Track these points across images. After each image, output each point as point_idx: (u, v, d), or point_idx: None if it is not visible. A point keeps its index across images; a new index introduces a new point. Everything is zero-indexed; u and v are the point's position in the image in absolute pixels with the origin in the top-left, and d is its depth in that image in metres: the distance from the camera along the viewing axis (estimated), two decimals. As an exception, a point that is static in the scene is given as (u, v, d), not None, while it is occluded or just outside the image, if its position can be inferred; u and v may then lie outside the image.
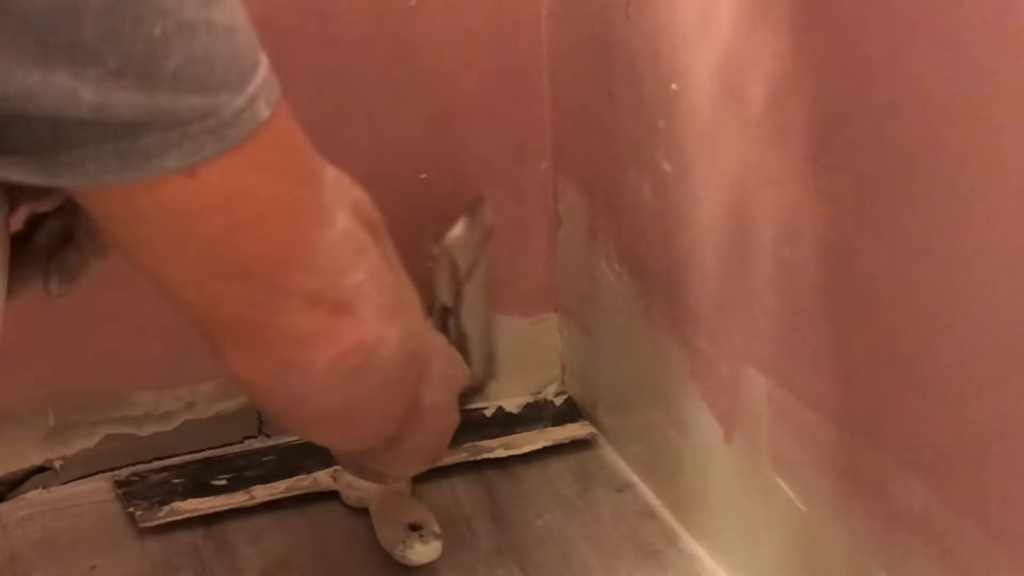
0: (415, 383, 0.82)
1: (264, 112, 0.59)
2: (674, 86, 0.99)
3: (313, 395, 0.71)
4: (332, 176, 0.71)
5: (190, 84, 0.55)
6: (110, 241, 0.67)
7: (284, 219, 0.64)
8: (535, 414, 1.32)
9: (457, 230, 1.18)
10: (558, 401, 1.34)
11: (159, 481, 1.20)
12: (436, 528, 1.09)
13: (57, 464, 1.20)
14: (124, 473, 1.22)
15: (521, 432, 1.29)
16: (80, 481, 1.21)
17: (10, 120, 0.53)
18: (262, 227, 0.63)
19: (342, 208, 0.70)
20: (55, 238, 0.75)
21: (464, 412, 1.31)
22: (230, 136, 0.58)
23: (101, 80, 0.52)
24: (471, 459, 1.24)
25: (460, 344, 1.19)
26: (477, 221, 1.21)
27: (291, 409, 0.74)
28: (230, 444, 1.26)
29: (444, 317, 1.19)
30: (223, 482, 1.20)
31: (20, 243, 0.73)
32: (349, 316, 0.68)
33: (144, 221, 0.60)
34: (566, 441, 1.26)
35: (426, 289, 1.25)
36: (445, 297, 1.19)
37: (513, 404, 1.33)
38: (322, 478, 1.21)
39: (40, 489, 1.20)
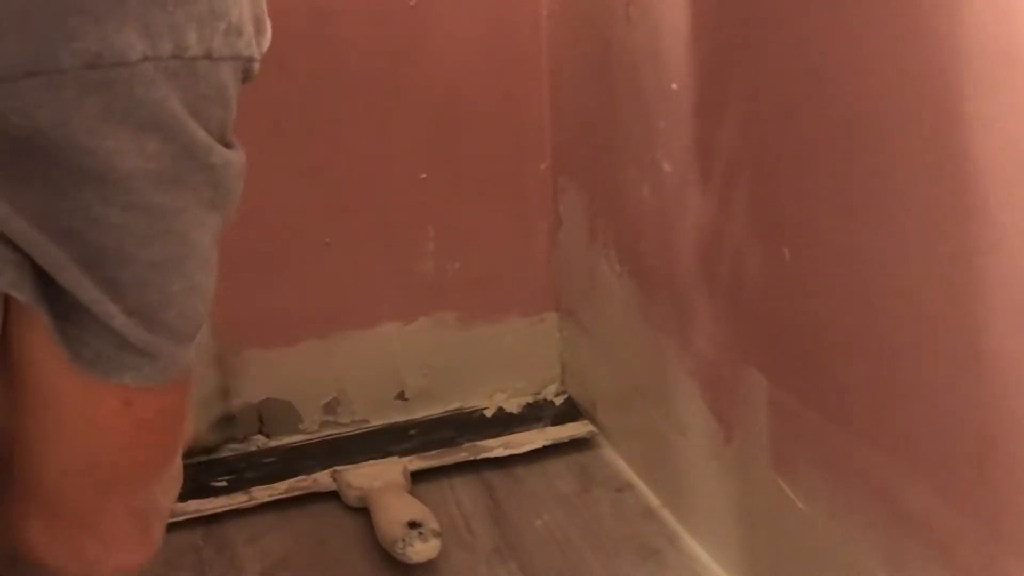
0: None
1: (189, 362, 0.69)
2: (674, 86, 0.99)
3: None
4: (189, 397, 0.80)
5: (176, 331, 0.66)
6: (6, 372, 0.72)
7: (161, 446, 0.73)
8: (535, 414, 1.32)
9: None
10: (558, 401, 1.34)
11: (159, 481, 1.20)
12: (436, 526, 1.09)
13: None
14: (124, 473, 1.22)
15: (521, 432, 1.29)
16: (80, 481, 1.21)
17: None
18: (142, 450, 0.71)
19: (185, 434, 0.77)
20: None
21: (464, 412, 1.33)
22: (170, 375, 0.68)
23: (124, 313, 0.63)
24: (471, 459, 1.24)
25: None
26: None
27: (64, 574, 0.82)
28: (230, 444, 1.26)
29: None
30: (223, 483, 1.20)
31: None
32: (148, 533, 0.77)
33: (87, 386, 0.67)
34: (566, 440, 1.26)
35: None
36: None
37: (513, 404, 1.33)
38: (322, 478, 1.21)
39: (40, 489, 1.20)
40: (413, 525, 1.09)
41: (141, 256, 0.62)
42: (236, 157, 0.65)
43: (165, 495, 0.77)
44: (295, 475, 1.22)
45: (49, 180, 0.59)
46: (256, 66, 0.65)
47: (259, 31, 0.65)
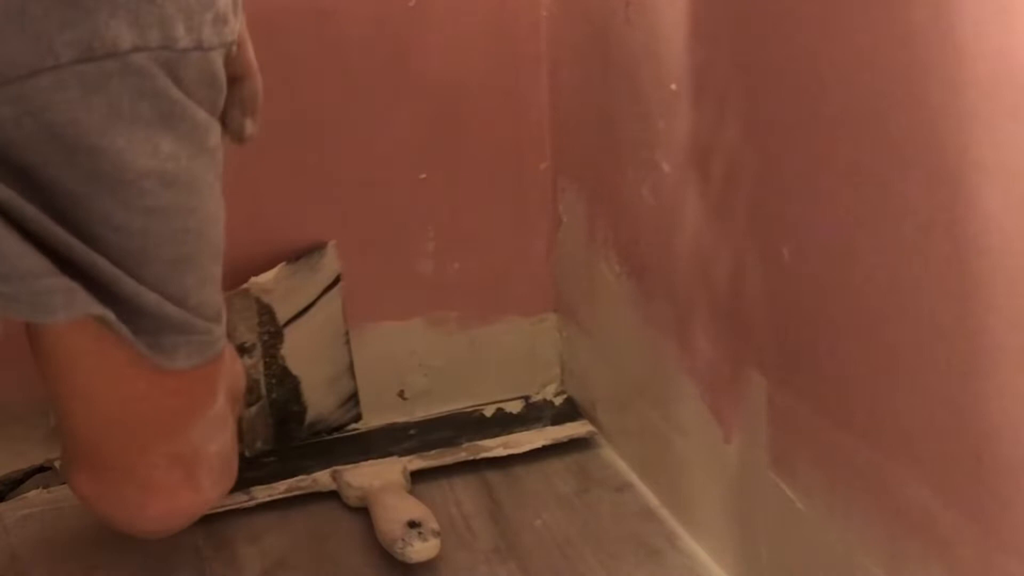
0: None
1: (223, 342, 0.77)
2: (674, 86, 0.99)
3: (136, 525, 0.86)
4: (228, 355, 0.85)
5: (202, 315, 0.73)
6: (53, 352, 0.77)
7: (192, 402, 0.78)
8: (535, 414, 1.32)
9: (265, 275, 1.19)
10: (558, 401, 1.34)
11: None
12: (435, 526, 1.09)
13: (57, 464, 1.20)
14: (124, 473, 1.22)
15: (521, 432, 1.29)
16: (80, 481, 1.21)
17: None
18: (178, 402, 0.77)
19: (223, 388, 0.81)
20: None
21: (464, 412, 1.33)
22: (207, 351, 0.74)
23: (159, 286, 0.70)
24: (471, 459, 1.24)
25: (288, 384, 1.23)
26: (306, 267, 1.21)
27: (114, 522, 0.88)
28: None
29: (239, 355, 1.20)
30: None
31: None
32: (193, 482, 0.81)
33: (116, 363, 0.73)
34: (565, 440, 1.26)
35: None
36: (243, 337, 1.19)
37: (513, 404, 1.33)
38: (322, 478, 1.21)
39: (40, 489, 1.20)
40: (413, 525, 1.09)
41: (161, 255, 0.66)
42: (221, 132, 0.69)
43: (208, 441, 0.79)
44: (295, 475, 1.22)
45: (71, 190, 0.61)
46: (235, 47, 0.68)
47: (236, 12, 0.68)
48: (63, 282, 0.63)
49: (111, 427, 0.75)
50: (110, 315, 0.66)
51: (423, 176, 1.25)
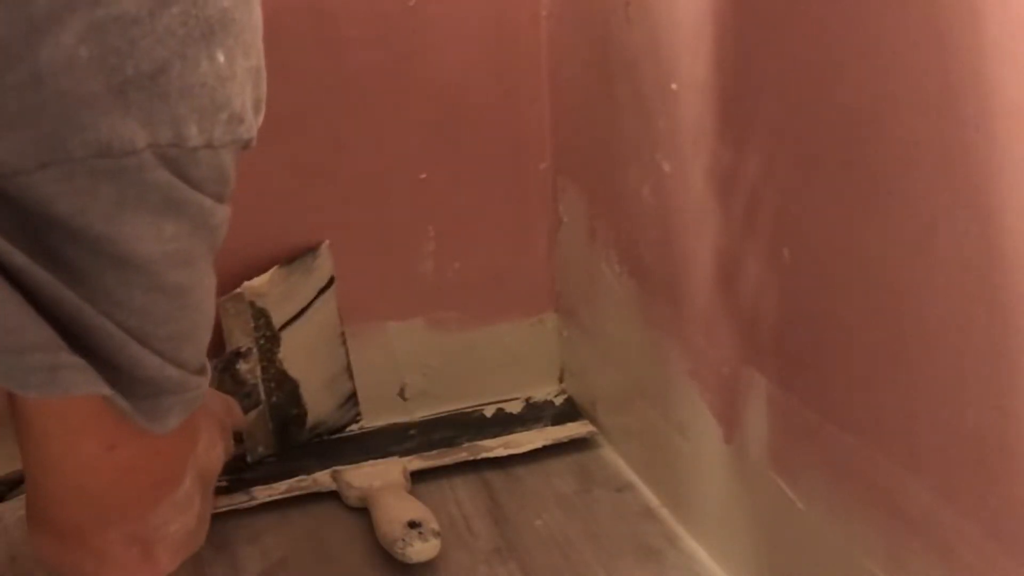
0: None
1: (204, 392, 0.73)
2: (674, 86, 0.99)
3: None
4: (205, 439, 0.83)
5: (195, 371, 0.70)
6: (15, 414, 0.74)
7: (153, 482, 0.76)
8: (535, 414, 1.32)
9: (259, 279, 1.19)
10: (558, 401, 1.34)
11: (159, 481, 1.20)
12: (435, 526, 1.09)
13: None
14: (124, 473, 1.21)
15: (521, 432, 1.29)
16: (80, 481, 1.21)
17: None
18: (138, 480, 0.74)
19: (192, 468, 0.80)
20: None
21: (464, 412, 1.33)
22: (191, 406, 0.71)
23: (159, 352, 0.67)
24: (471, 459, 1.24)
25: (288, 387, 1.23)
26: (300, 269, 1.21)
27: None
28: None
29: (232, 361, 1.20)
30: (223, 483, 1.20)
31: None
32: (150, 559, 0.79)
33: (71, 430, 0.70)
34: (566, 440, 1.26)
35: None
36: (239, 341, 1.19)
37: (513, 404, 1.33)
38: (322, 478, 1.21)
39: (40, 489, 1.20)
40: (413, 525, 1.09)
41: (159, 333, 0.65)
42: (227, 210, 0.68)
43: (169, 522, 0.78)
44: (295, 475, 1.22)
45: (73, 264, 0.61)
46: (254, 142, 0.67)
47: (257, 111, 0.67)
48: (72, 359, 0.63)
49: (75, 501, 0.74)
50: (118, 397, 0.66)
51: (423, 176, 1.25)
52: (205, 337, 0.71)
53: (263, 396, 1.22)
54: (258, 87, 0.66)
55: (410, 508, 1.12)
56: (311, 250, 1.22)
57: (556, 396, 1.35)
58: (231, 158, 0.66)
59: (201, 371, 0.71)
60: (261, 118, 0.68)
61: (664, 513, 1.15)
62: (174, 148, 0.60)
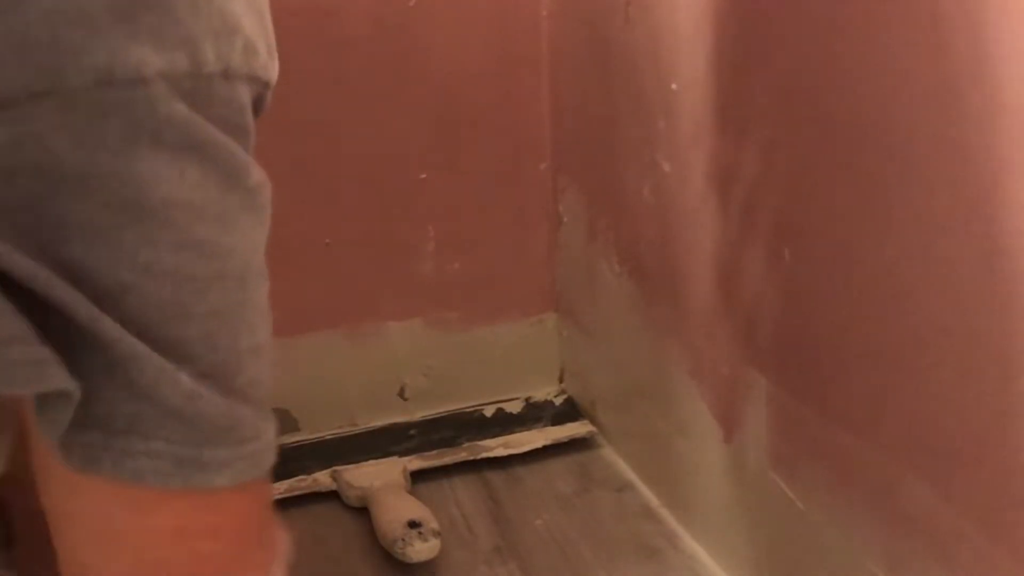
0: None
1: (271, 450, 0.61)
2: (674, 86, 0.99)
3: None
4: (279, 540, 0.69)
5: (252, 401, 0.58)
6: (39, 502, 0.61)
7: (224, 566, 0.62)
8: (535, 414, 1.32)
9: None
10: (558, 401, 1.34)
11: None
12: (435, 526, 1.09)
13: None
14: (124, 473, 1.21)
15: (521, 431, 1.29)
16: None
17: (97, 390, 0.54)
18: (203, 564, 0.61)
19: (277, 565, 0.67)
20: None
21: (464, 412, 1.33)
22: (263, 463, 0.60)
23: (192, 379, 0.55)
24: (471, 459, 1.24)
25: None
26: None
27: None
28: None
29: None
30: (223, 482, 1.20)
31: None
32: None
33: (102, 512, 0.57)
34: (566, 440, 1.27)
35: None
36: None
37: (513, 404, 1.33)
38: (322, 478, 1.21)
39: (40, 489, 1.20)
40: (413, 525, 1.09)
41: (201, 307, 0.55)
42: (265, 178, 0.59)
43: None
44: (295, 475, 1.22)
45: (86, 225, 0.52)
46: (269, 95, 0.60)
47: (271, 55, 0.60)
48: (38, 351, 0.52)
49: None
50: (76, 394, 0.53)
51: (423, 176, 1.25)
52: (260, 336, 0.58)
53: None
54: (264, 27, 0.60)
55: (410, 508, 1.12)
56: None
57: (556, 396, 1.35)
58: (248, 99, 0.58)
59: (260, 404, 0.58)
60: (276, 66, 0.61)
61: (664, 513, 1.15)
62: (189, 79, 0.52)
